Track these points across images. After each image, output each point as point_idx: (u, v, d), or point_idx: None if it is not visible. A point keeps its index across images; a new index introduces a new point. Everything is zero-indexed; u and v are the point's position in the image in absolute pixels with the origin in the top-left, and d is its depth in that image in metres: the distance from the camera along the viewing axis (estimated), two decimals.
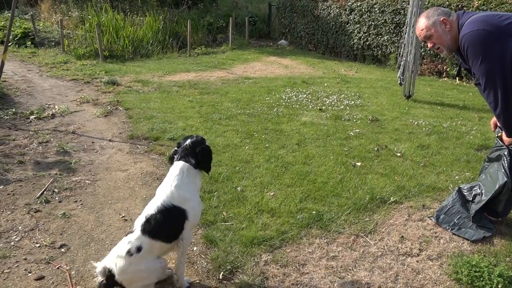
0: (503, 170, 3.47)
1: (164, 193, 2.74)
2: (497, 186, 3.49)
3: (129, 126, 6.35)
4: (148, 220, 2.66)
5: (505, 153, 3.48)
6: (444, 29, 3.22)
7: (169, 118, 6.67)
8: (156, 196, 2.78)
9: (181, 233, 2.75)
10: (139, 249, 2.58)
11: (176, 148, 2.92)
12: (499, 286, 2.90)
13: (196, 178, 2.86)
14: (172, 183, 2.75)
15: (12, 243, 3.35)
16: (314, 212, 3.88)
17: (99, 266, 2.63)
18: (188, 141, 2.87)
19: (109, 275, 2.58)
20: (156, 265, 2.69)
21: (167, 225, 2.67)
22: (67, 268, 3.08)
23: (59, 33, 13.90)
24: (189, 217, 2.73)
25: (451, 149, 5.62)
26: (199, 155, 2.83)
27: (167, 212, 2.67)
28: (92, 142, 5.64)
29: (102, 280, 2.62)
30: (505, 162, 3.46)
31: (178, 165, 2.80)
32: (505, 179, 3.42)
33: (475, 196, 3.75)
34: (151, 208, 2.71)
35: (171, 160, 2.92)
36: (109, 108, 7.25)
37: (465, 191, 3.86)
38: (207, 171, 2.94)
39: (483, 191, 3.66)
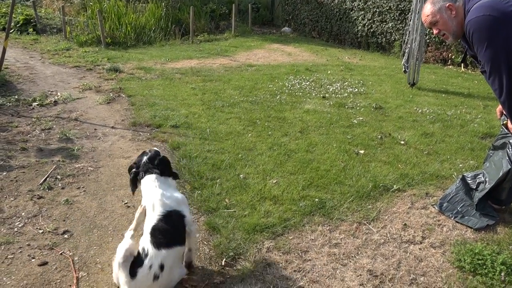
0: (507, 158, 3.44)
1: (157, 205, 2.74)
2: (500, 174, 3.47)
3: (132, 113, 6.33)
4: (155, 234, 2.62)
5: (510, 140, 3.44)
6: (449, 15, 3.16)
7: (171, 105, 6.65)
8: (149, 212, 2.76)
9: (186, 228, 2.80)
10: (162, 267, 2.53)
11: (134, 170, 2.97)
12: (502, 274, 2.89)
13: (167, 181, 2.95)
14: (156, 195, 2.77)
15: (16, 229, 3.36)
16: (316, 199, 3.87)
17: None
18: (145, 158, 2.97)
19: None
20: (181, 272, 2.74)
21: (173, 229, 2.67)
22: (70, 254, 3.09)
23: (61, 20, 13.83)
24: (185, 213, 2.81)
25: (455, 137, 5.58)
26: (159, 167, 2.95)
27: (167, 218, 2.69)
28: (95, 129, 5.64)
29: None
30: (510, 149, 3.42)
31: (148, 179, 2.88)
32: (509, 166, 3.40)
33: (479, 184, 3.73)
34: (151, 224, 2.68)
35: (133, 182, 2.97)
36: (111, 95, 7.23)
37: (469, 179, 3.83)
38: (174, 178, 3.05)
39: (487, 179, 3.64)
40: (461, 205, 3.72)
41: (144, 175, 2.91)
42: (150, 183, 2.86)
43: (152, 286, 2.51)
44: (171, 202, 2.77)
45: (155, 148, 3.20)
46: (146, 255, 2.55)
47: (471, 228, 3.52)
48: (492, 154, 3.70)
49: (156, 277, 2.50)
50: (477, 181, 3.75)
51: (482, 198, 3.63)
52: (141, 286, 2.49)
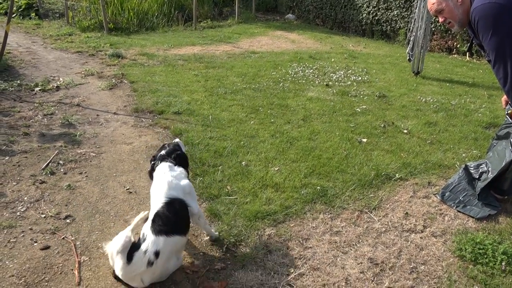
0: (510, 148, 3.42)
1: (162, 192, 2.77)
2: (503, 164, 3.45)
3: (134, 100, 6.31)
4: (156, 220, 2.63)
5: None
6: (455, 3, 3.11)
7: (174, 92, 6.62)
8: (155, 198, 2.79)
9: (193, 214, 2.85)
10: (157, 254, 2.52)
11: (153, 162, 3.09)
12: (503, 263, 2.89)
13: (180, 169, 3.01)
14: (166, 179, 2.83)
15: (18, 213, 3.38)
16: (318, 187, 3.87)
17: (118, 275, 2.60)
18: (163, 152, 3.10)
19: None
20: (176, 263, 2.75)
21: (175, 217, 2.67)
22: (72, 238, 3.11)
23: (64, 5, 13.72)
24: (190, 203, 2.85)
25: (459, 126, 5.55)
26: (177, 159, 3.06)
27: (172, 204, 2.71)
28: (97, 115, 5.63)
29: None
30: None
31: (162, 166, 2.96)
32: None
33: (481, 174, 3.71)
34: (154, 211, 2.70)
35: (151, 173, 3.06)
36: (113, 81, 7.20)
37: (472, 169, 3.82)
38: (186, 170, 3.12)
39: (489, 168, 3.62)
40: (463, 194, 3.71)
41: (159, 163, 3.00)
42: (161, 170, 2.92)
43: (145, 272, 2.52)
44: (177, 190, 2.79)
45: (177, 140, 3.34)
46: (144, 239, 2.56)
47: (472, 217, 3.52)
48: (496, 144, 3.68)
49: (150, 263, 2.50)
50: (480, 170, 3.73)
51: (484, 188, 3.62)
52: (135, 271, 2.51)
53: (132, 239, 2.61)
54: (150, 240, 2.54)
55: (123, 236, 2.55)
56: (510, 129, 3.48)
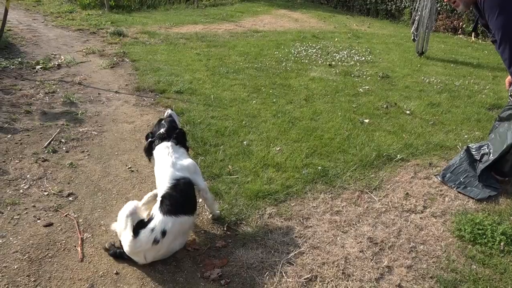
0: None
1: (168, 169, 2.78)
2: (504, 146, 3.44)
3: (136, 78, 6.28)
4: (163, 201, 2.65)
5: None
6: None
7: (175, 71, 6.58)
8: (161, 179, 2.80)
9: (200, 189, 2.93)
10: (164, 233, 2.55)
11: (150, 139, 3.06)
12: (502, 243, 2.92)
13: (182, 149, 3.00)
14: (170, 161, 2.83)
15: (21, 191, 3.40)
16: (319, 167, 3.88)
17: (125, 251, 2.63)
18: (162, 130, 3.05)
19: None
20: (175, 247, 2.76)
21: (182, 198, 2.70)
22: (75, 216, 3.14)
23: None
24: (198, 181, 2.90)
25: (462, 107, 5.52)
26: (177, 138, 3.02)
27: (179, 185, 2.72)
28: (99, 94, 5.61)
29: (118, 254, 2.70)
30: None
31: (164, 146, 2.93)
32: None
33: (482, 155, 3.71)
34: (162, 192, 2.71)
35: (148, 151, 3.04)
36: (115, 59, 7.15)
37: (473, 150, 3.81)
38: (186, 149, 3.11)
39: (491, 150, 3.62)
40: (464, 176, 3.72)
41: (160, 142, 2.98)
42: (164, 151, 2.90)
43: (150, 249, 2.56)
44: (183, 171, 2.80)
45: (170, 111, 3.28)
46: (152, 218, 2.59)
47: (473, 198, 3.53)
48: (498, 125, 3.66)
49: (155, 241, 2.54)
50: (481, 152, 3.73)
51: (485, 169, 3.63)
52: (141, 247, 2.55)
53: (142, 216, 2.66)
54: (158, 219, 2.57)
55: (132, 204, 2.63)
56: None
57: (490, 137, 3.72)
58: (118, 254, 2.71)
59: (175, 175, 2.75)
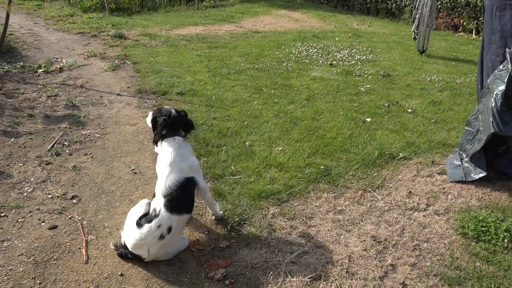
0: (491, 119, 3.42)
1: (174, 168, 2.75)
2: (488, 135, 3.50)
3: (137, 80, 6.29)
4: (169, 199, 2.66)
5: (497, 91, 3.41)
6: None
7: (177, 73, 6.59)
8: (164, 173, 2.76)
9: (200, 188, 2.91)
10: (169, 229, 2.62)
11: (163, 130, 2.88)
12: (505, 240, 2.92)
13: (184, 145, 2.90)
14: (176, 159, 2.78)
15: (25, 194, 3.42)
16: (322, 167, 3.88)
17: (129, 246, 2.67)
18: (169, 121, 2.90)
19: (137, 256, 2.68)
20: (183, 242, 2.86)
21: (187, 194, 2.74)
22: (79, 218, 3.15)
23: None
24: (198, 180, 2.89)
25: (464, 105, 5.51)
26: (186, 130, 2.98)
27: (183, 183, 2.71)
28: (101, 96, 5.63)
29: (123, 254, 2.73)
30: (494, 108, 3.40)
31: (171, 142, 2.84)
32: (492, 130, 3.40)
33: (477, 130, 3.69)
34: (164, 188, 2.69)
35: (160, 141, 2.90)
36: (116, 62, 7.17)
37: (473, 120, 3.79)
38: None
39: (481, 128, 3.60)
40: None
41: (169, 136, 2.86)
42: (170, 147, 2.81)
43: (155, 244, 2.60)
44: (186, 170, 2.77)
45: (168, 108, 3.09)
46: (157, 215, 2.61)
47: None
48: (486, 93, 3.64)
49: (162, 237, 2.59)
50: (476, 127, 3.71)
51: (478, 151, 3.67)
52: (145, 240, 2.59)
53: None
54: (164, 216, 2.60)
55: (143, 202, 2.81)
56: (496, 84, 3.45)
57: (479, 107, 3.69)
58: (124, 255, 2.72)
59: (181, 174, 2.72)
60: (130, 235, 2.64)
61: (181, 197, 2.68)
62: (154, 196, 2.77)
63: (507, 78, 3.34)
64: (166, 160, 2.77)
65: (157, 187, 2.74)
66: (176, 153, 2.79)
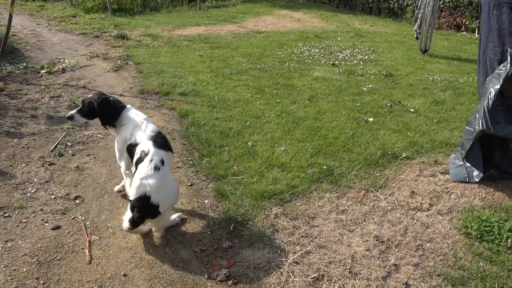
0: (482, 116, 3.43)
1: (149, 120, 3.14)
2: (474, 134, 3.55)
3: (140, 81, 6.30)
4: (155, 139, 2.96)
5: (492, 90, 3.42)
6: None
7: (179, 73, 6.60)
8: (143, 125, 3.06)
9: None
10: (162, 162, 2.84)
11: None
12: (509, 240, 2.91)
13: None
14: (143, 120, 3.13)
15: (29, 195, 3.43)
16: (324, 167, 3.88)
17: (133, 195, 2.76)
18: (106, 99, 3.14)
19: (143, 200, 2.72)
20: (175, 184, 3.05)
21: (165, 140, 3.08)
22: (82, 218, 3.16)
23: None
24: None
25: (467, 104, 5.50)
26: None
27: (159, 134, 3.07)
28: None
29: (134, 215, 2.73)
30: (486, 106, 3.42)
31: (130, 107, 3.24)
32: (480, 127, 3.43)
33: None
34: (146, 136, 2.98)
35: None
36: (119, 62, 7.18)
37: (472, 119, 3.79)
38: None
39: (476, 127, 3.60)
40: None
41: (123, 109, 3.17)
42: (131, 111, 3.16)
43: (154, 177, 2.75)
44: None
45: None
46: (147, 153, 2.85)
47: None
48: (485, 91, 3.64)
49: (157, 168, 2.79)
50: (474, 126, 3.71)
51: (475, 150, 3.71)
52: (143, 174, 2.74)
53: None
54: (154, 151, 2.86)
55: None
56: (492, 83, 3.46)
57: (480, 101, 3.71)
58: (135, 218, 2.74)
59: (154, 128, 3.07)
60: (133, 184, 2.79)
61: (162, 139, 3.01)
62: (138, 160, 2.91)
63: (503, 78, 3.34)
64: (140, 117, 3.11)
65: (139, 136, 2.98)
66: (141, 117, 3.12)
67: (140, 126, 3.05)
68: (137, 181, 2.76)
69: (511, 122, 3.37)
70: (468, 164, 3.79)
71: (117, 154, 3.20)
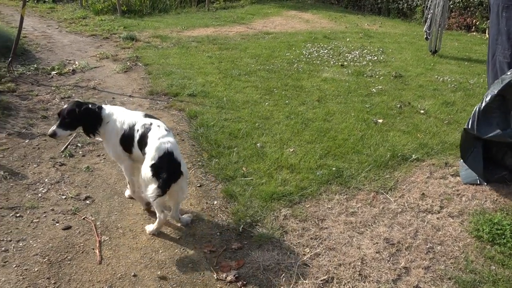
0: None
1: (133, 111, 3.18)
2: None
3: (149, 82, 6.34)
4: (149, 115, 3.07)
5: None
6: None
7: (188, 74, 6.62)
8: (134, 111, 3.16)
9: None
10: (167, 129, 2.93)
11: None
12: None
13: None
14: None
15: (40, 195, 3.46)
16: (334, 168, 3.87)
17: (154, 158, 2.76)
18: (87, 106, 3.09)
19: (168, 157, 2.73)
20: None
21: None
22: (92, 219, 3.18)
23: None
24: None
25: None
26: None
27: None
28: (113, 98, 5.67)
29: (161, 176, 2.68)
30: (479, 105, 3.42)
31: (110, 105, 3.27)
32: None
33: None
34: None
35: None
36: (128, 63, 7.23)
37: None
38: None
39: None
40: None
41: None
42: (114, 108, 3.15)
43: (168, 135, 2.84)
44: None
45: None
46: (151, 123, 2.91)
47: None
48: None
49: (168, 131, 2.89)
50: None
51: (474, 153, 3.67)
52: (160, 136, 2.79)
53: None
54: (155, 121, 2.94)
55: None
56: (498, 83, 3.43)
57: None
58: (165, 180, 2.71)
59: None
60: (151, 148, 2.77)
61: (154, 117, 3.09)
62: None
63: (505, 82, 3.30)
64: (119, 107, 3.17)
65: (131, 119, 3.00)
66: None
67: (126, 112, 3.11)
68: (155, 142, 2.76)
69: (503, 127, 3.34)
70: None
71: (113, 157, 3.16)
